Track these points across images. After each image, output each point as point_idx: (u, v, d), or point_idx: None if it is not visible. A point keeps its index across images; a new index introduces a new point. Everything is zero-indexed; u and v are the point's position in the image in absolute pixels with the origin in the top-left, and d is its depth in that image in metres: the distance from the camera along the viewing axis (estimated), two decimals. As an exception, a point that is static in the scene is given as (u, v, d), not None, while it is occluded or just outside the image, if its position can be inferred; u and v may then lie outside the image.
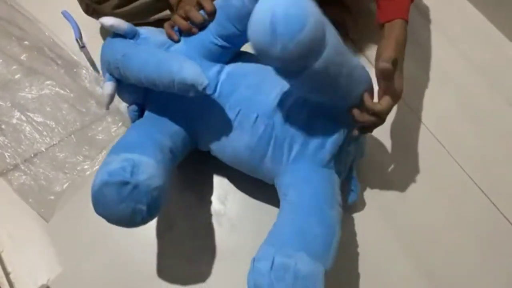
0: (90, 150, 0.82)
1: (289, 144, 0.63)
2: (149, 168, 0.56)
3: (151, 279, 0.71)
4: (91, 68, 0.89)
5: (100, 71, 0.90)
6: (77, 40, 0.92)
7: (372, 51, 0.92)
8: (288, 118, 0.63)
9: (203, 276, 0.71)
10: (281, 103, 0.63)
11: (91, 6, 0.85)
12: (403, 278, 0.72)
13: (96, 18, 0.89)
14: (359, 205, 0.78)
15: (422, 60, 0.95)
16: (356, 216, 0.76)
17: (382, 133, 0.84)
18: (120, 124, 0.84)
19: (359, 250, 0.73)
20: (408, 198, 0.79)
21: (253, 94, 0.64)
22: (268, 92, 0.64)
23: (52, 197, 0.77)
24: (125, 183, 0.53)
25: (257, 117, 0.63)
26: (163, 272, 0.72)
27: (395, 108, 0.88)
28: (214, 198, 0.78)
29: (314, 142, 0.62)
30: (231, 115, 0.65)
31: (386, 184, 0.80)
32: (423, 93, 0.92)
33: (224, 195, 0.78)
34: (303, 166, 0.63)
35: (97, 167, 0.80)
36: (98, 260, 0.73)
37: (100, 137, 0.83)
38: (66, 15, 0.96)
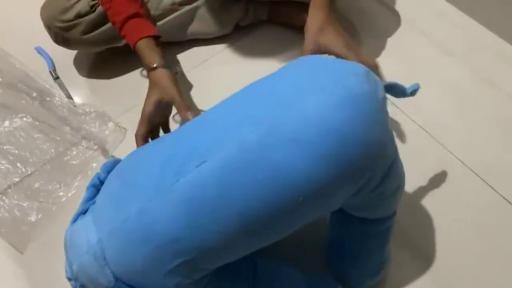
0: (66, 176, 0.79)
1: None
2: None
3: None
4: (64, 95, 0.88)
5: (73, 98, 0.89)
6: (50, 72, 0.92)
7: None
8: None
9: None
10: None
11: (60, 34, 0.85)
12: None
13: (66, 47, 0.89)
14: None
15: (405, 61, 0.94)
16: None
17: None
18: (95, 147, 0.82)
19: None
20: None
21: None
22: None
23: (26, 228, 0.73)
24: None
25: None
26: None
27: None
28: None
29: None
30: None
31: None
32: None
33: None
34: None
35: (73, 191, 0.77)
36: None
37: (75, 163, 0.81)
38: (39, 50, 0.96)
